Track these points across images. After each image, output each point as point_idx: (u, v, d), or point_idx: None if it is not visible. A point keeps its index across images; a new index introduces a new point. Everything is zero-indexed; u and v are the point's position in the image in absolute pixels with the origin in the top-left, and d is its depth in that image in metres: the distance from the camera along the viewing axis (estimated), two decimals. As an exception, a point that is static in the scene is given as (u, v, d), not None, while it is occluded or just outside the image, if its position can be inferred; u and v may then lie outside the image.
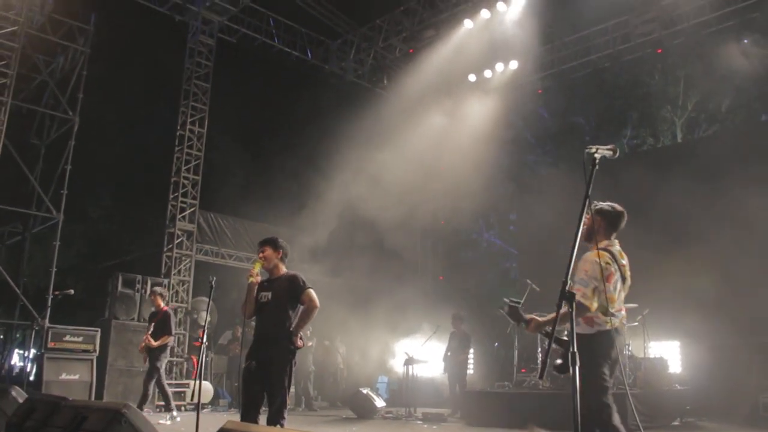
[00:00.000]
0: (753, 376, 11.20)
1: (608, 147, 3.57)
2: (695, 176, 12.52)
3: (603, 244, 4.59)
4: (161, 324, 9.62)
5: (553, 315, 4.30)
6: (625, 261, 4.63)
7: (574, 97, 21.35)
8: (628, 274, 4.64)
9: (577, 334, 4.17)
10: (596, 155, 3.51)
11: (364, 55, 17.13)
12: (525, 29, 14.39)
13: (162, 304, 9.92)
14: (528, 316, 4.48)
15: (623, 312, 4.57)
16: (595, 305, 4.34)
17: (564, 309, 3.34)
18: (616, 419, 4.30)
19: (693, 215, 12.29)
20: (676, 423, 10.00)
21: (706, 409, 10.74)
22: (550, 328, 4.41)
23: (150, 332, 9.57)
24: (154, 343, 9.46)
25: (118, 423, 4.60)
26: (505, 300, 4.59)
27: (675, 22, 13.96)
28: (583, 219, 3.72)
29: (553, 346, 10.48)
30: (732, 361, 11.68)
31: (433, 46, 15.71)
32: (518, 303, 4.53)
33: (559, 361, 4.50)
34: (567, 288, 3.21)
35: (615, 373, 4.45)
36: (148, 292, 13.21)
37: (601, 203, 4.72)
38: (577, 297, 4.24)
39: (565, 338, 4.49)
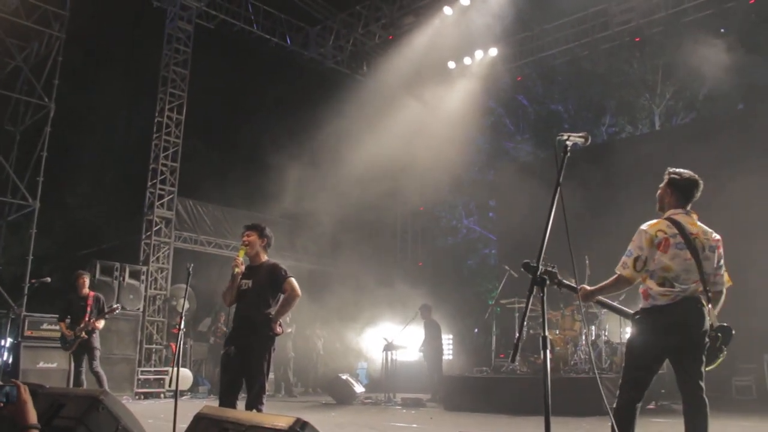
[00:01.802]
0: (726, 361, 11.39)
1: (580, 134, 3.58)
2: (673, 164, 12.66)
3: (671, 213, 4.39)
4: (99, 307, 9.45)
5: (604, 283, 4.35)
6: (696, 230, 4.32)
7: (553, 85, 21.47)
8: (704, 242, 4.32)
9: (641, 308, 4.31)
10: (568, 142, 3.53)
11: (344, 41, 17.06)
12: (504, 16, 14.42)
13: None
14: (581, 286, 4.34)
15: (694, 285, 4.25)
16: (633, 274, 4.21)
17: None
18: (629, 407, 4.25)
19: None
20: (650, 406, 10.14)
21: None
22: (602, 298, 4.50)
23: (90, 317, 9.31)
24: (100, 326, 9.37)
25: (96, 410, 4.59)
26: (527, 263, 3.96)
27: (653, 10, 14.07)
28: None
29: (531, 332, 10.64)
30: (706, 346, 11.89)
31: (412, 33, 15.69)
32: (552, 266, 4.21)
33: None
34: (539, 273, 3.24)
35: (679, 350, 4.28)
36: (126, 280, 13.20)
37: (673, 171, 4.56)
38: (617, 268, 4.28)
39: (630, 310, 4.53)
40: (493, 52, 16.00)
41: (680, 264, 4.19)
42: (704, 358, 4.32)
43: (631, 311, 4.45)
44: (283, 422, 2.91)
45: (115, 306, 9.85)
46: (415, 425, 8.75)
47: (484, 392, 10.46)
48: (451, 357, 15.93)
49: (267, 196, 15.08)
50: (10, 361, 11.59)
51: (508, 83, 18.16)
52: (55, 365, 11.28)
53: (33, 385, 5.40)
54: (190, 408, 5.44)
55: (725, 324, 4.41)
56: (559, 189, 3.28)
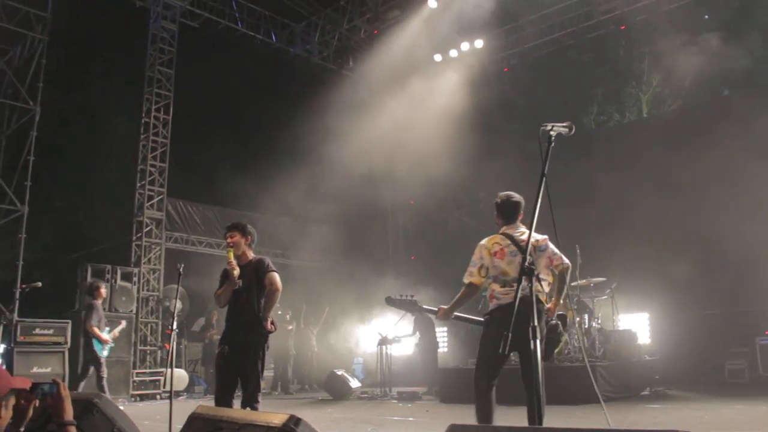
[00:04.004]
0: (719, 345, 11.51)
1: (564, 124, 3.59)
2: (662, 151, 12.74)
3: (504, 229, 5.21)
4: None
5: (457, 297, 5.20)
6: (524, 237, 4.91)
7: (539, 75, 21.45)
8: (533, 245, 4.84)
9: (489, 310, 5.05)
10: (552, 132, 3.55)
11: (329, 37, 17.02)
12: (489, 7, 14.40)
13: None
14: (438, 307, 5.24)
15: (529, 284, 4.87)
16: (480, 280, 5.07)
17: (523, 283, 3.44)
18: (484, 394, 4.96)
19: (660, 190, 12.53)
20: (645, 393, 10.22)
21: (675, 378, 11.01)
22: (459, 313, 5.35)
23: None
24: None
25: (90, 413, 4.58)
26: (389, 297, 5.51)
27: (637, -2, 14.10)
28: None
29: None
30: (698, 331, 11.99)
31: (397, 27, 15.66)
32: (409, 297, 5.41)
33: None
34: (527, 263, 3.26)
35: (521, 343, 4.82)
36: (118, 282, 13.18)
37: (498, 195, 5.35)
38: (464, 278, 5.12)
39: (480, 318, 5.24)
40: (479, 44, 16.00)
41: (516, 268, 4.85)
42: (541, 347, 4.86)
43: (481, 318, 5.18)
44: (277, 419, 2.91)
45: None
46: (411, 418, 8.78)
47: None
48: (445, 350, 15.95)
49: (257, 195, 15.04)
50: (4, 366, 11.53)
51: (495, 74, 18.14)
52: (49, 370, 11.22)
53: (26, 391, 5.38)
54: (186, 408, 5.44)
55: (562, 312, 5.24)
56: (544, 179, 3.30)
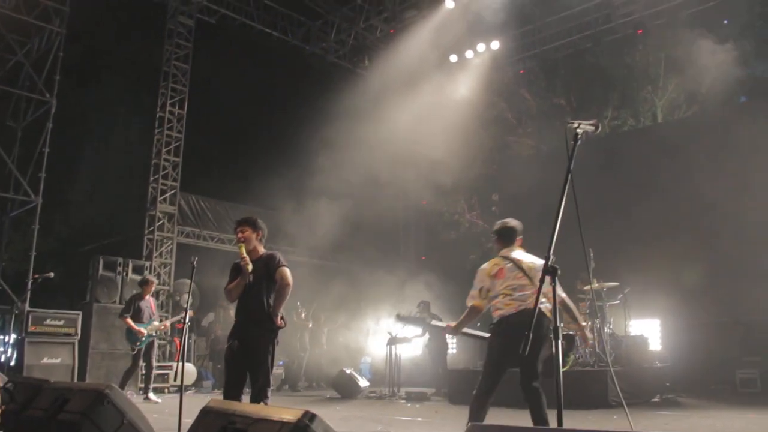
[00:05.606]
0: (730, 353, 11.40)
1: (590, 122, 3.55)
2: (675, 157, 12.64)
3: (503, 252, 5.42)
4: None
5: (462, 317, 5.41)
6: (520, 258, 5.31)
7: (555, 78, 21.36)
8: (530, 266, 5.24)
9: (495, 322, 5.24)
10: (578, 130, 3.50)
11: (345, 35, 17.01)
12: (506, 9, 14.36)
13: None
14: (446, 323, 5.56)
15: (530, 294, 5.07)
16: (480, 302, 5.30)
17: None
18: (481, 398, 5.16)
19: (674, 197, 12.44)
20: (656, 399, 10.14)
21: (686, 386, 10.91)
22: (466, 329, 5.55)
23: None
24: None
25: (101, 404, 4.59)
26: (399, 314, 6.08)
27: (656, 2, 14.03)
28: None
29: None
30: (710, 339, 11.87)
31: (414, 27, 15.63)
32: (418, 313, 5.53)
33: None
34: (550, 263, 3.22)
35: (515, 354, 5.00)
36: (129, 275, 13.27)
37: (496, 223, 5.65)
38: (467, 301, 5.36)
39: (487, 334, 5.33)
40: (495, 45, 15.94)
41: (515, 281, 5.19)
42: (540, 359, 5.14)
43: (488, 334, 5.37)
44: (291, 415, 2.89)
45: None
46: (420, 419, 8.75)
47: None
48: (454, 351, 15.91)
49: (268, 191, 15.05)
50: (15, 356, 11.59)
51: (511, 76, 18.08)
52: (59, 360, 11.28)
53: (37, 380, 5.40)
54: (194, 403, 5.44)
55: (570, 333, 5.50)
56: (570, 177, 3.25)
